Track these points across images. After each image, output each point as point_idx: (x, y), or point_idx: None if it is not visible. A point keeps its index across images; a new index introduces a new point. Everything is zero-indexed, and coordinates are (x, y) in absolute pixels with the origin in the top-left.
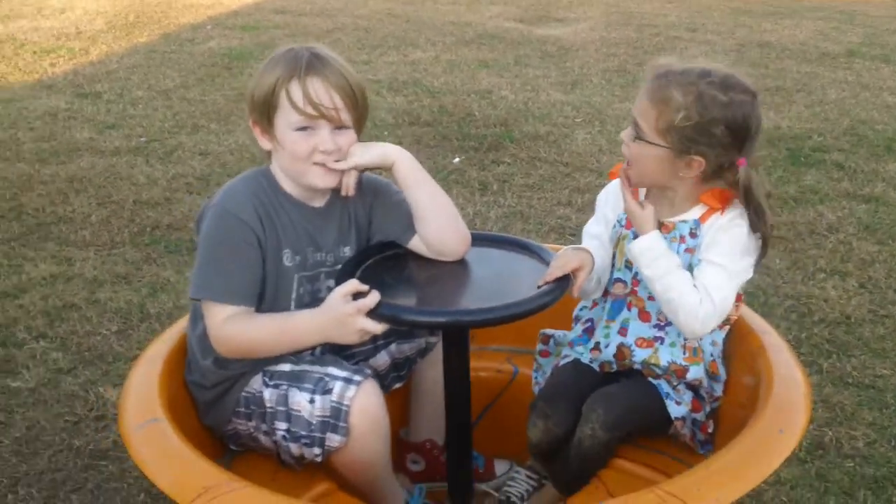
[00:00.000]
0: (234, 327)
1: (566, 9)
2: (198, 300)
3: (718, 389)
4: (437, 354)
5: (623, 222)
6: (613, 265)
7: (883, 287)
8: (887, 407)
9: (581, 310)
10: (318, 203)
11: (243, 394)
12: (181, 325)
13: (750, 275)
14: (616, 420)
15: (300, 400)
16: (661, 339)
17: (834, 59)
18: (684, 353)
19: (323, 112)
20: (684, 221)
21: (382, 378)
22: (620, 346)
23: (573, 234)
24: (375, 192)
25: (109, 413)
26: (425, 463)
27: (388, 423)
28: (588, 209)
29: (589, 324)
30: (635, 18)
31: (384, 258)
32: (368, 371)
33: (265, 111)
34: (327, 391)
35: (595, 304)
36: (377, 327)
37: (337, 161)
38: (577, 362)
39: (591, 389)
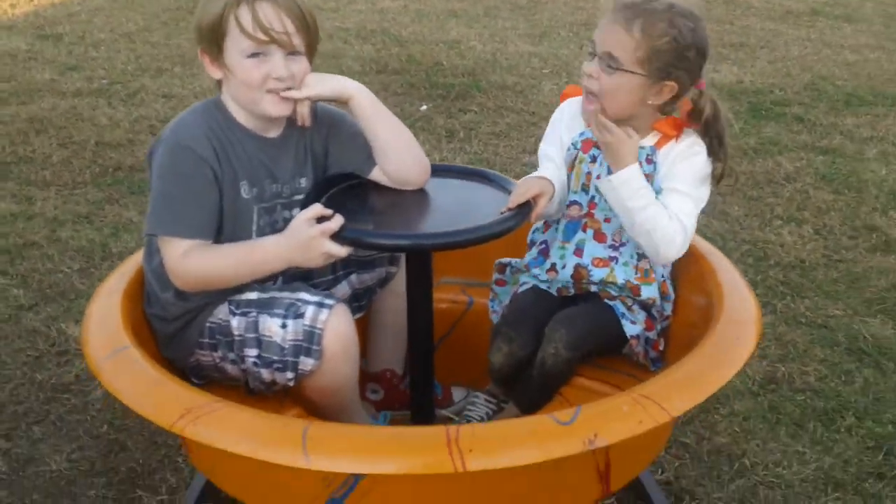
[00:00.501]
0: (194, 260)
1: None
2: (154, 236)
3: (668, 309)
4: (396, 284)
5: (578, 145)
6: (568, 187)
7: (837, 234)
8: (838, 345)
9: (534, 233)
10: (273, 134)
11: (207, 324)
12: (137, 257)
13: (705, 201)
14: (577, 339)
15: (271, 325)
16: (616, 259)
17: (797, 17)
18: (636, 274)
19: (274, 37)
20: (641, 148)
21: None
22: (577, 267)
23: None
24: (331, 123)
25: (72, 348)
26: (384, 392)
27: (357, 347)
28: None
29: (543, 245)
30: None
31: (347, 187)
32: (338, 297)
33: (214, 38)
34: (299, 315)
35: (548, 226)
36: (341, 250)
37: (290, 89)
38: (535, 288)
39: (551, 313)
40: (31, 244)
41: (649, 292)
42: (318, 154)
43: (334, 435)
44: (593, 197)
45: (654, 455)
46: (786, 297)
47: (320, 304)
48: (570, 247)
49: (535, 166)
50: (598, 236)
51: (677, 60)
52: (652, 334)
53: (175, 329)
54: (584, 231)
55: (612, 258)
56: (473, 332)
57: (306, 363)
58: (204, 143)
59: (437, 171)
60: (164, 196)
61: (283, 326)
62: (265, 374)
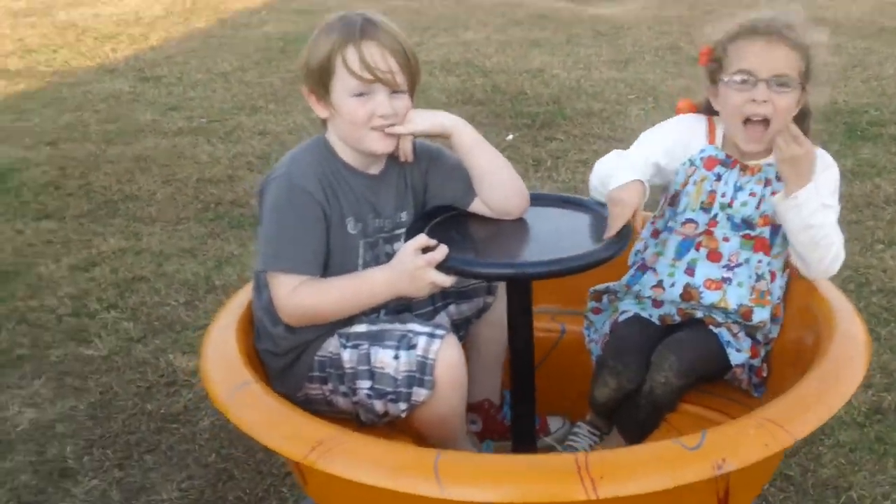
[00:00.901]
0: (303, 295)
1: None
2: (264, 272)
3: (775, 332)
4: (493, 315)
5: (698, 163)
6: (681, 203)
7: None
8: None
9: (635, 255)
10: (375, 170)
11: (317, 357)
12: (242, 294)
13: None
14: (688, 366)
15: (384, 357)
16: (730, 280)
17: (891, 35)
18: (751, 295)
19: (379, 76)
20: (770, 164)
21: None
22: (687, 287)
23: None
24: (430, 157)
25: (179, 379)
26: (482, 422)
27: (466, 377)
28: None
29: (641, 261)
30: None
31: (448, 218)
32: (447, 326)
33: (321, 79)
34: (412, 346)
35: (646, 246)
36: (447, 280)
37: (393, 126)
38: (637, 317)
39: (654, 342)
40: (139, 278)
41: (762, 315)
42: (417, 188)
43: (466, 464)
44: (715, 215)
45: (764, 483)
46: (889, 323)
47: (431, 335)
48: (682, 265)
49: None
50: (713, 255)
51: (812, 67)
52: (756, 361)
53: (285, 364)
54: (697, 250)
55: (725, 279)
56: (568, 360)
57: (419, 393)
58: (314, 181)
59: (534, 199)
60: (275, 233)
61: (396, 357)
62: (378, 405)
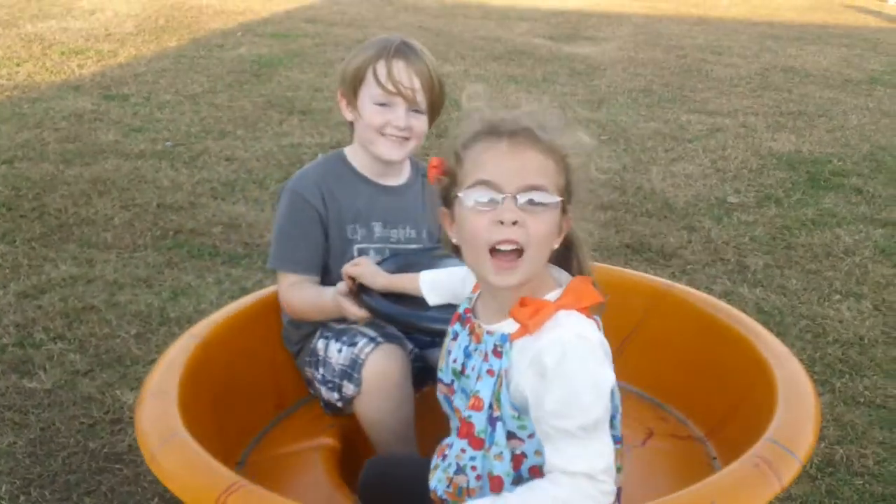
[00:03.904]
0: (293, 293)
1: (595, 28)
2: (273, 270)
3: None
4: None
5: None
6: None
7: None
8: None
9: None
10: (392, 181)
11: (311, 346)
12: (175, 350)
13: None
14: None
15: (332, 348)
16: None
17: (856, 86)
18: (447, 487)
19: (400, 90)
20: (490, 334)
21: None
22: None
23: (595, 250)
24: None
25: (125, 416)
26: None
27: (400, 390)
28: (610, 225)
29: None
30: (663, 39)
31: (420, 251)
32: (401, 339)
33: (353, 85)
34: (353, 344)
35: None
36: (358, 312)
37: (408, 139)
38: None
39: None
40: (89, 308)
41: None
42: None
43: None
44: (452, 382)
45: None
46: (844, 375)
47: (373, 339)
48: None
49: (589, 233)
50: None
51: (573, 180)
52: None
53: (297, 351)
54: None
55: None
56: None
57: (348, 388)
58: (313, 190)
59: None
60: (278, 235)
61: (339, 351)
62: (324, 392)
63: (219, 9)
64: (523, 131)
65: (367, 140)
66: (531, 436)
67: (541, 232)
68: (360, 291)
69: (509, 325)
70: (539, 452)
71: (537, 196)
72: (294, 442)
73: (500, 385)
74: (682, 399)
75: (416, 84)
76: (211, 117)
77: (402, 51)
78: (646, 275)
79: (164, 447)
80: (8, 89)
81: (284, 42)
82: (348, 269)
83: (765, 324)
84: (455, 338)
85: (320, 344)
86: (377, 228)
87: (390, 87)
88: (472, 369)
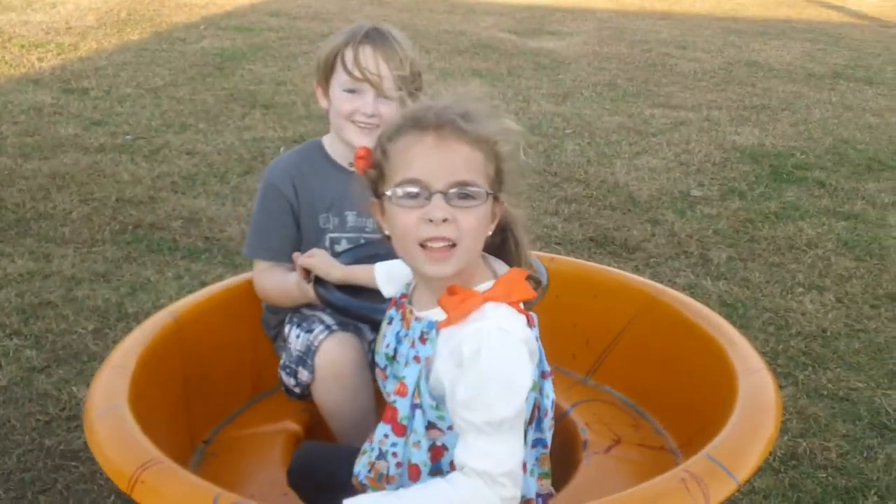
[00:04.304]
0: (264, 279)
1: (560, 22)
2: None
3: None
4: None
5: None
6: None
7: (859, 302)
8: (860, 419)
9: None
10: None
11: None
12: (148, 325)
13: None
14: None
15: (293, 334)
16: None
17: (819, 80)
18: (369, 472)
19: (367, 76)
20: (418, 320)
21: None
22: None
23: (559, 243)
24: None
25: (82, 413)
26: None
27: (354, 379)
28: (574, 219)
29: None
30: (628, 34)
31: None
32: (358, 328)
33: (325, 72)
34: (310, 331)
35: None
36: (310, 291)
37: (377, 126)
38: None
39: None
40: (46, 303)
41: None
42: None
43: None
44: (385, 367)
45: None
46: (807, 367)
47: (328, 327)
48: None
49: (554, 227)
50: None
51: (504, 168)
52: None
53: (274, 335)
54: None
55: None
56: None
57: (303, 374)
58: (285, 179)
59: None
60: (253, 223)
61: (297, 337)
62: (283, 377)
63: (181, 2)
64: (449, 123)
65: (338, 127)
66: (451, 428)
67: (472, 226)
68: (315, 283)
69: (438, 313)
70: None
71: (466, 191)
72: (260, 424)
73: (423, 372)
74: (662, 408)
75: (384, 71)
76: (172, 111)
77: (371, 36)
78: (638, 277)
79: (102, 418)
80: None
81: (248, 35)
82: (304, 260)
83: (728, 317)
84: (390, 322)
85: (286, 329)
86: (350, 218)
87: (357, 73)
88: (402, 355)
